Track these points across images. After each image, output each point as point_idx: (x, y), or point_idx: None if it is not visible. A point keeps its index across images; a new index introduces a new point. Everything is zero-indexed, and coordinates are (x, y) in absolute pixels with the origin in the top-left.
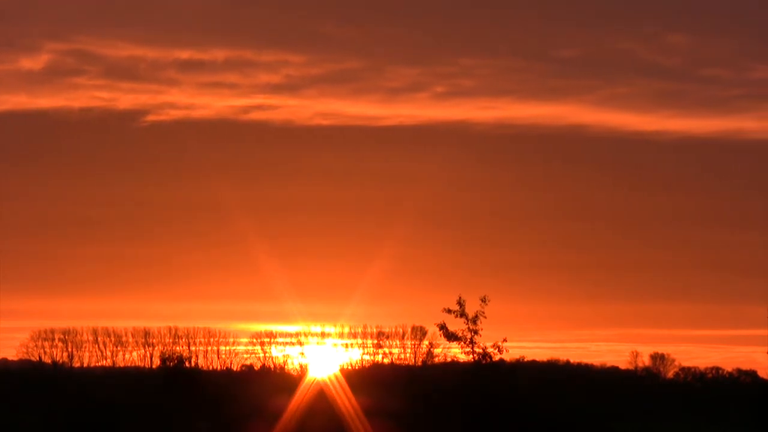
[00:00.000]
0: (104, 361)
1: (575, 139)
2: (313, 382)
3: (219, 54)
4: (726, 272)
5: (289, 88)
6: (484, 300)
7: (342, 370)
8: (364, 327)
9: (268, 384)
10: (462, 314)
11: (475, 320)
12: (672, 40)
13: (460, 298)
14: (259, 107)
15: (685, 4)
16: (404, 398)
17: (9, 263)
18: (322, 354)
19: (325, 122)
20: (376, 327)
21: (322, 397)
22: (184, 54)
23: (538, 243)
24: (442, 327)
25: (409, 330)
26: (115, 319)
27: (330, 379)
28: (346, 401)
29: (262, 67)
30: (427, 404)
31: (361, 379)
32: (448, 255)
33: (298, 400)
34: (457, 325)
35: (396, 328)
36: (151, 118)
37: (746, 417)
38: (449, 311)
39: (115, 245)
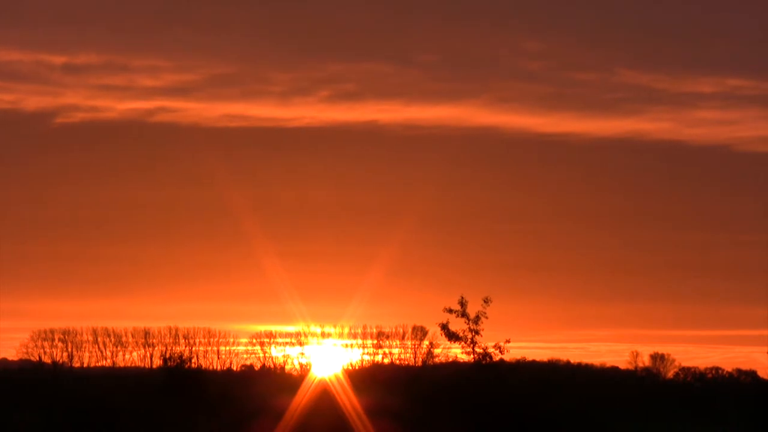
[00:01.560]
0: (104, 362)
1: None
2: (314, 382)
3: (95, 58)
4: (726, 273)
5: (182, 91)
6: (486, 300)
7: (344, 370)
8: (365, 327)
9: (269, 384)
10: (463, 314)
11: (476, 320)
12: (531, 47)
13: (461, 298)
14: (163, 109)
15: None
16: (405, 398)
17: (9, 263)
18: (323, 354)
19: (233, 124)
20: (377, 327)
21: (323, 396)
22: (61, 59)
23: (538, 244)
24: (444, 327)
25: (410, 330)
26: (115, 319)
27: (331, 378)
28: (348, 401)
29: (143, 71)
30: (428, 404)
31: (362, 378)
32: (447, 256)
33: (300, 399)
34: (458, 326)
35: (396, 328)
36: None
37: (746, 417)
38: (451, 311)
39: (115, 246)
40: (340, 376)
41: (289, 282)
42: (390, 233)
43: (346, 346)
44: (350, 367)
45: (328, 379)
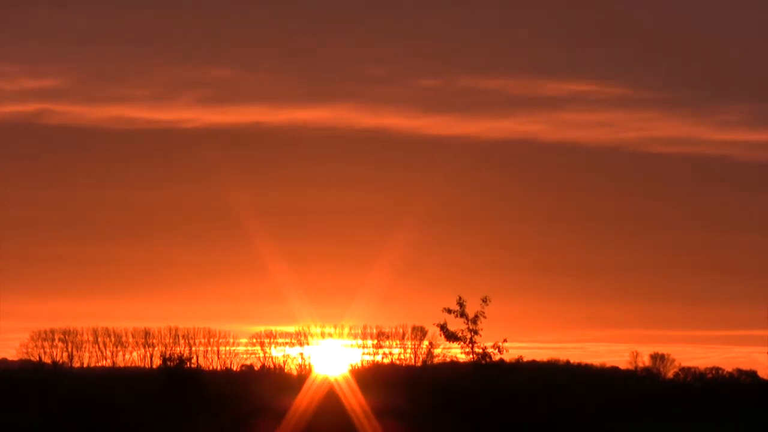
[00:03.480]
0: (104, 362)
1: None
2: (315, 382)
3: None
4: (726, 273)
5: (57, 94)
6: (485, 300)
7: (344, 370)
8: (364, 327)
9: (269, 384)
10: (462, 314)
11: (475, 320)
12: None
13: (460, 298)
14: (46, 111)
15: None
16: (406, 398)
17: (9, 264)
18: (324, 354)
19: (129, 127)
20: (376, 327)
21: (327, 396)
22: None
23: (538, 244)
24: (443, 327)
25: (409, 330)
26: (115, 319)
27: (336, 378)
28: (353, 401)
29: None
30: (429, 404)
31: (363, 378)
32: (447, 256)
33: (301, 399)
34: (457, 326)
35: (396, 328)
36: None
37: (746, 417)
38: (449, 311)
39: (115, 246)
40: (345, 376)
41: (289, 282)
42: (390, 234)
43: (347, 346)
44: (354, 367)
45: (332, 379)
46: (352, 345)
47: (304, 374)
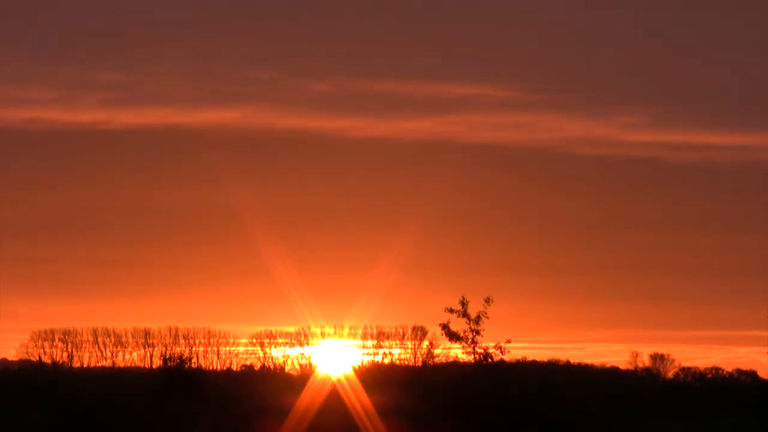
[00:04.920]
0: (104, 362)
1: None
2: (317, 382)
3: None
4: (726, 274)
5: None
6: (488, 301)
7: (346, 369)
8: (365, 327)
9: (270, 384)
10: (464, 314)
11: (477, 320)
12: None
13: (463, 298)
14: None
15: None
16: (408, 398)
17: (10, 264)
18: (324, 354)
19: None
20: (376, 327)
21: (330, 396)
22: None
23: (538, 245)
24: (445, 327)
25: (410, 330)
26: (115, 319)
27: (333, 377)
28: (355, 400)
29: None
30: (431, 404)
31: (365, 377)
32: (447, 257)
33: (303, 399)
34: (459, 326)
35: (396, 328)
36: None
37: (746, 417)
38: (451, 311)
39: (115, 246)
40: (347, 375)
41: (289, 282)
42: (391, 236)
43: (347, 346)
44: (357, 367)
45: (334, 379)
46: (352, 345)
47: (305, 374)
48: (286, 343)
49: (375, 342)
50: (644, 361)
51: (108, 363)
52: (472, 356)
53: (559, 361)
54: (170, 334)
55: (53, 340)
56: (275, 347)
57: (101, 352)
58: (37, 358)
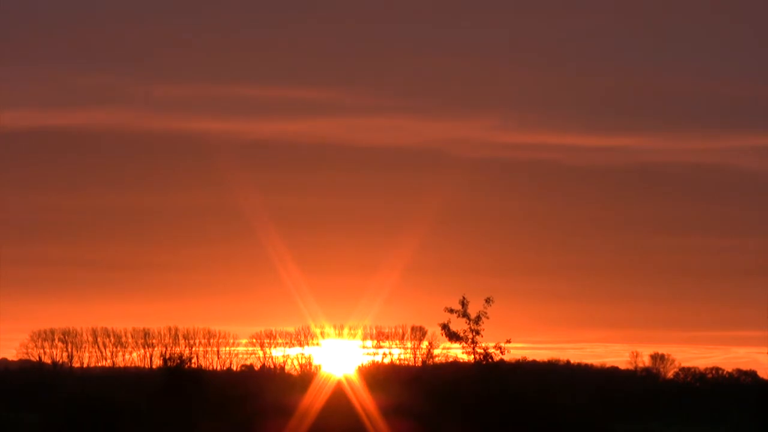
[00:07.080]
0: (104, 362)
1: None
2: (320, 381)
3: None
4: (726, 274)
5: None
6: (488, 301)
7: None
8: (364, 327)
9: (270, 384)
10: (464, 314)
11: (477, 320)
12: None
13: (463, 298)
14: None
15: None
16: (407, 398)
17: (10, 264)
18: (324, 354)
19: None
20: (376, 327)
21: (333, 396)
22: None
23: (539, 245)
24: (445, 327)
25: (409, 330)
26: (115, 319)
27: (335, 377)
28: (359, 400)
29: None
30: (432, 403)
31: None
32: (447, 257)
33: (307, 399)
34: (459, 326)
35: (396, 328)
36: None
37: (746, 417)
38: (452, 311)
39: (115, 247)
40: (348, 375)
41: (290, 283)
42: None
43: (347, 346)
44: (360, 367)
45: (336, 378)
46: (352, 345)
47: (306, 374)
48: (286, 343)
49: (375, 342)
50: (644, 361)
51: (108, 363)
52: (472, 356)
53: (558, 361)
54: (170, 334)
55: (53, 340)
56: (275, 347)
57: (101, 352)
58: (37, 358)
